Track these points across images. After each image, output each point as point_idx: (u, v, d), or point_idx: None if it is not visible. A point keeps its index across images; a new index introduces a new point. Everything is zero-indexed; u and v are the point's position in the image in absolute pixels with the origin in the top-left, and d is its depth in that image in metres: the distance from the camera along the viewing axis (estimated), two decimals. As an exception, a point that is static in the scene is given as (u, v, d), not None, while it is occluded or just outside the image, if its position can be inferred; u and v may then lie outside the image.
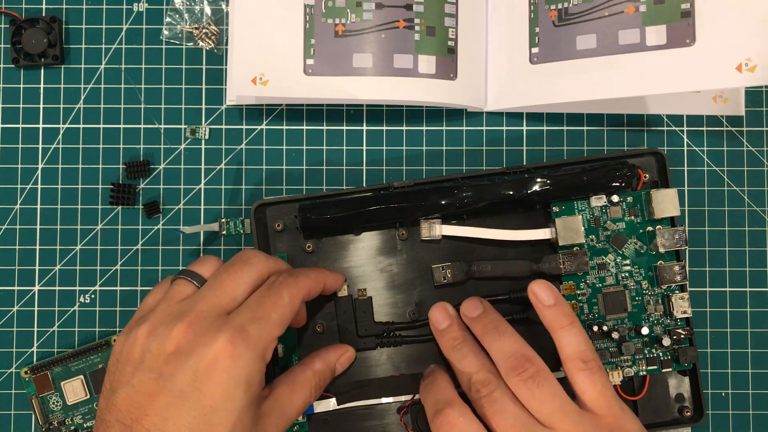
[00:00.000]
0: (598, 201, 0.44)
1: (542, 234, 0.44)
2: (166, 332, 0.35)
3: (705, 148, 0.49)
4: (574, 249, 0.44)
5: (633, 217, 0.45)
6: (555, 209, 0.44)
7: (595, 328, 0.44)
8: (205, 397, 0.33)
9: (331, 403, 0.44)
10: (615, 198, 0.44)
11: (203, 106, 0.49)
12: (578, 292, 0.44)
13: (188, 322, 0.35)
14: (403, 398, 0.44)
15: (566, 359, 0.39)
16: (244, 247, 0.48)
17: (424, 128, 0.49)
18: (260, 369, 0.35)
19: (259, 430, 0.36)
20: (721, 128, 0.49)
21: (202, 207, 0.48)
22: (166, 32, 0.49)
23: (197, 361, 0.34)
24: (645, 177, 0.45)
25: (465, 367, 0.40)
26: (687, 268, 0.45)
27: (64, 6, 0.49)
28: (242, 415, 0.34)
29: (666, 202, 0.43)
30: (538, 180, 0.43)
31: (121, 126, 0.49)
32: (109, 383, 0.36)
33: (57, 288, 0.48)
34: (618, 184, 0.44)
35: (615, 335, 0.43)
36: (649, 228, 0.44)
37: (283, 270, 0.40)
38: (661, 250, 0.43)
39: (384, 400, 0.44)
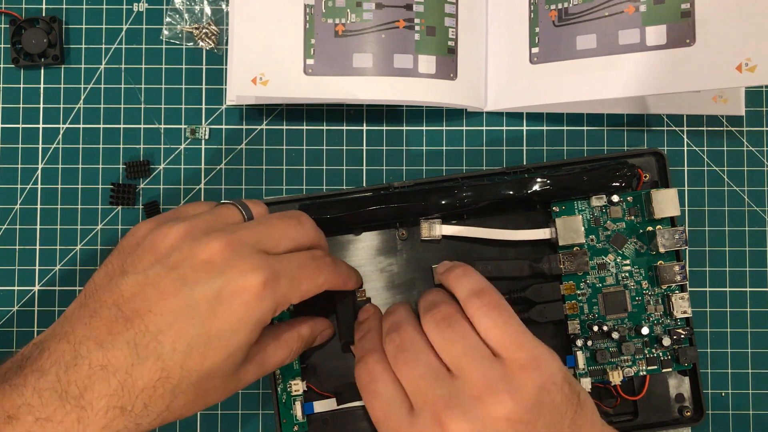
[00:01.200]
0: (598, 201, 0.44)
1: (542, 234, 0.44)
2: (205, 240, 0.33)
3: (705, 148, 0.49)
4: (574, 249, 0.44)
5: (633, 217, 0.45)
6: (555, 209, 0.44)
7: (595, 328, 0.44)
8: (216, 320, 0.32)
9: (331, 404, 0.44)
10: (615, 198, 0.44)
11: (203, 106, 0.49)
12: (578, 292, 0.44)
13: (229, 241, 0.33)
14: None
15: (463, 303, 0.37)
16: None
17: (424, 128, 0.49)
18: (268, 320, 0.34)
19: (240, 372, 0.35)
20: (721, 128, 0.49)
21: (202, 207, 0.48)
22: (166, 32, 0.49)
23: (225, 282, 0.32)
24: (645, 177, 0.45)
25: (367, 341, 0.40)
26: (687, 268, 0.45)
27: (64, 6, 0.49)
28: (237, 352, 0.33)
29: (666, 202, 0.43)
30: (538, 180, 0.43)
31: (121, 126, 0.49)
32: (119, 264, 0.34)
33: (57, 288, 0.48)
34: (618, 184, 0.44)
35: (615, 335, 0.43)
36: (649, 228, 0.44)
37: (324, 247, 0.40)
38: (661, 250, 0.43)
39: None
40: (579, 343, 0.44)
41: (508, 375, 0.34)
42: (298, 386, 0.43)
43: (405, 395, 0.36)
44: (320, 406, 0.44)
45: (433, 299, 0.38)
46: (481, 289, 0.37)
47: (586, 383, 0.43)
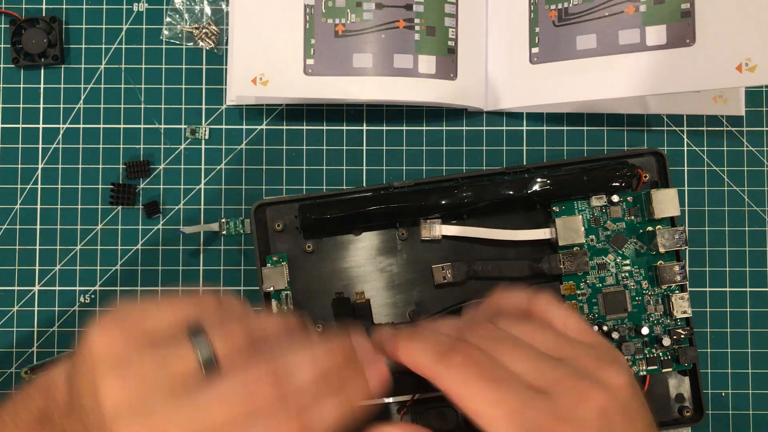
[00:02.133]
0: (598, 201, 0.44)
1: (542, 234, 0.44)
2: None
3: (705, 148, 0.49)
4: (574, 249, 0.44)
5: (633, 217, 0.45)
6: (555, 209, 0.44)
7: (596, 328, 0.44)
8: None
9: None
10: (615, 198, 0.44)
11: (203, 106, 0.49)
12: (578, 292, 0.44)
13: None
14: (402, 398, 0.44)
15: (532, 306, 0.34)
16: (244, 247, 0.48)
17: (424, 128, 0.49)
18: None
19: None
20: (721, 128, 0.49)
21: (202, 207, 0.48)
22: (166, 32, 0.49)
23: None
24: (645, 177, 0.45)
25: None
26: (687, 268, 0.45)
27: (64, 6, 0.49)
28: None
29: (666, 202, 0.43)
30: (539, 180, 0.43)
31: (121, 126, 0.48)
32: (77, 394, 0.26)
33: (57, 288, 0.48)
34: (618, 184, 0.44)
35: (615, 335, 0.43)
36: (649, 228, 0.44)
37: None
38: (661, 250, 0.43)
39: (383, 399, 0.44)
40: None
41: (603, 352, 0.33)
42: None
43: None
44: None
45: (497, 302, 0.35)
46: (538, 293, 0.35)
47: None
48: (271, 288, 0.44)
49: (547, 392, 0.30)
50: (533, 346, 0.32)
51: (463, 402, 0.30)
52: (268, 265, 0.44)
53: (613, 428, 0.30)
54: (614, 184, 0.44)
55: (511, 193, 0.44)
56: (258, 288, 0.44)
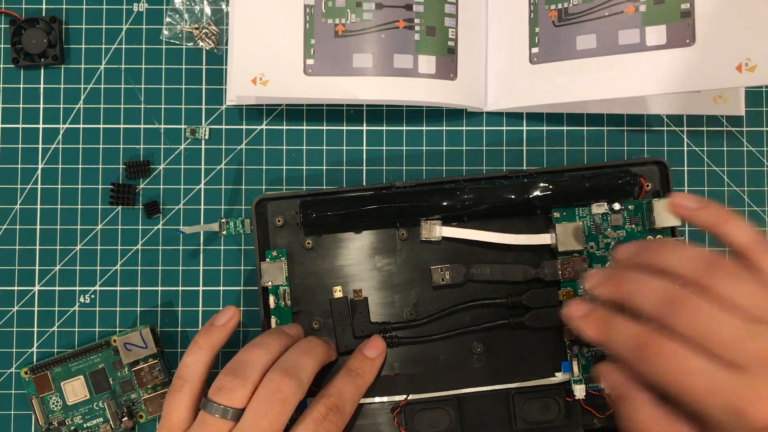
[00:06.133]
0: (599, 208, 0.44)
1: (542, 239, 0.44)
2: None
3: (705, 149, 0.49)
4: (574, 255, 0.44)
5: (634, 226, 0.44)
6: (556, 215, 0.44)
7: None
8: None
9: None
10: (616, 206, 0.44)
11: (203, 106, 0.49)
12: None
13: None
14: (396, 398, 0.44)
15: (747, 247, 0.35)
16: (243, 246, 0.48)
17: (424, 128, 0.49)
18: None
19: None
20: (721, 128, 0.49)
21: (202, 207, 0.48)
22: (166, 32, 0.49)
23: None
24: (647, 186, 0.45)
25: (627, 328, 0.35)
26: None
27: (64, 6, 0.49)
28: None
29: (667, 212, 0.43)
30: (540, 185, 0.43)
31: (121, 126, 0.49)
32: None
33: (57, 288, 0.48)
34: (620, 192, 0.44)
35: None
36: (650, 237, 0.44)
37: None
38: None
39: (377, 399, 0.44)
40: (575, 349, 0.44)
41: None
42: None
43: (719, 362, 0.32)
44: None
45: (696, 254, 0.35)
46: (758, 233, 0.35)
47: (581, 390, 0.43)
48: (270, 283, 0.44)
49: (744, 369, 0.32)
50: (734, 323, 0.32)
51: None
52: (268, 260, 0.44)
53: None
54: (616, 192, 0.43)
55: (512, 197, 0.43)
56: (256, 284, 0.45)
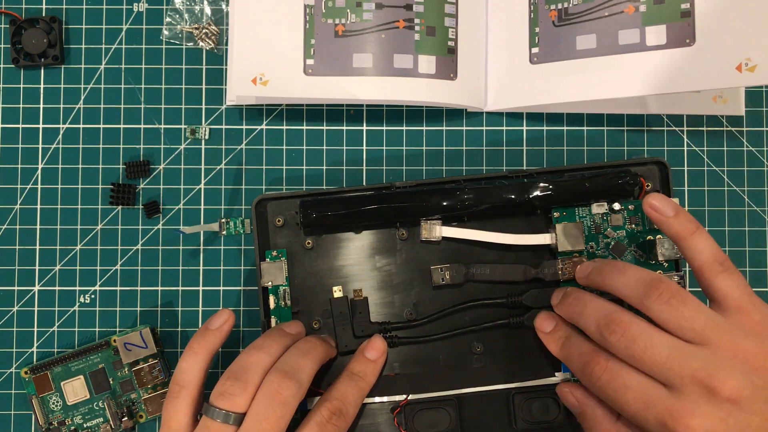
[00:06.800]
0: (599, 208, 0.44)
1: (542, 239, 0.44)
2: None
3: (705, 148, 0.49)
4: (574, 255, 0.44)
5: (633, 226, 0.44)
6: (556, 215, 0.44)
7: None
8: None
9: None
10: (616, 206, 0.44)
11: (203, 106, 0.49)
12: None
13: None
14: (396, 398, 0.44)
15: (702, 265, 0.37)
16: (243, 247, 0.48)
17: (424, 128, 0.49)
18: None
19: None
20: (721, 128, 0.49)
21: (202, 207, 0.48)
22: (166, 32, 0.49)
23: None
24: (647, 186, 0.45)
25: (579, 346, 0.39)
26: (687, 278, 0.45)
27: (64, 6, 0.49)
28: None
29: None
30: (540, 185, 0.43)
31: (121, 126, 0.49)
32: None
33: (57, 288, 0.48)
34: (620, 192, 0.44)
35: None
36: (650, 237, 0.44)
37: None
38: (661, 259, 0.43)
39: (377, 399, 0.44)
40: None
41: (754, 331, 0.35)
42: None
43: (653, 379, 0.36)
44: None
45: (639, 277, 0.37)
46: (718, 254, 0.37)
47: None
48: (270, 283, 0.44)
49: (675, 388, 0.35)
50: (669, 343, 0.35)
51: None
52: (268, 260, 0.44)
53: None
54: (616, 192, 0.43)
55: (512, 197, 0.43)
56: (256, 284, 0.45)
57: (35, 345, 0.48)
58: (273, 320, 0.44)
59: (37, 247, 0.48)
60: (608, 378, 0.37)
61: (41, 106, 0.49)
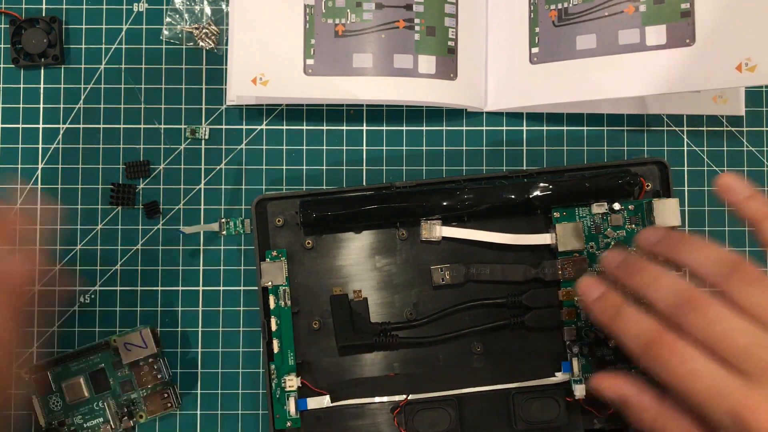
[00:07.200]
0: (599, 208, 0.44)
1: (542, 239, 0.44)
2: None
3: (705, 149, 0.49)
4: (574, 255, 0.44)
5: (634, 226, 0.44)
6: (556, 215, 0.44)
7: (592, 335, 0.44)
8: None
9: (324, 401, 0.44)
10: (616, 206, 0.44)
11: (203, 106, 0.49)
12: (576, 298, 0.44)
13: None
14: (396, 398, 0.44)
15: None
16: (244, 247, 0.48)
17: (424, 128, 0.49)
18: None
19: None
20: (721, 128, 0.49)
21: (202, 207, 0.48)
22: (166, 32, 0.49)
23: None
24: (647, 186, 0.45)
25: (640, 322, 0.34)
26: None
27: (64, 6, 0.49)
28: None
29: (667, 212, 0.43)
30: (540, 185, 0.43)
31: (121, 126, 0.49)
32: None
33: (57, 288, 0.48)
34: (620, 192, 0.44)
35: (611, 343, 0.43)
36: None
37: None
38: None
39: (377, 399, 0.45)
40: (575, 349, 0.44)
41: None
42: (292, 382, 0.44)
43: (726, 367, 0.32)
44: (314, 403, 0.44)
45: (720, 256, 0.34)
46: None
47: (581, 390, 0.43)
48: (270, 283, 0.44)
49: (751, 376, 0.32)
50: (749, 329, 0.32)
51: None
52: (268, 259, 0.44)
53: None
54: (616, 192, 0.43)
55: (512, 197, 0.44)
56: (256, 284, 0.45)
57: (35, 345, 0.48)
58: (273, 320, 0.44)
59: (37, 247, 0.48)
60: (677, 362, 0.33)
61: (41, 106, 0.49)
